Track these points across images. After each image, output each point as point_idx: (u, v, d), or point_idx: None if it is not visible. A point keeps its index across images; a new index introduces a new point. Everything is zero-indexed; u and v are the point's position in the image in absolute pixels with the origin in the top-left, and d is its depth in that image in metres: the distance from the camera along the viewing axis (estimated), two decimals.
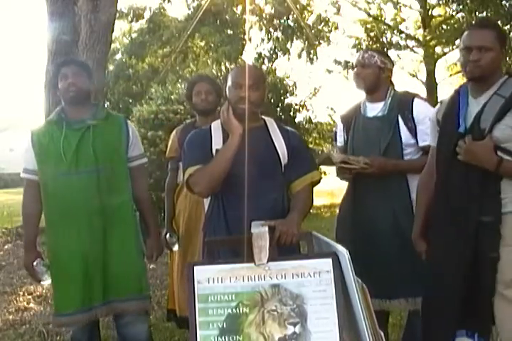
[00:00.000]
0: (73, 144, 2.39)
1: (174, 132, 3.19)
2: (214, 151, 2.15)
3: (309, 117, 10.99)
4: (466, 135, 1.96)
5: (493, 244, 1.92)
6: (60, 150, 2.38)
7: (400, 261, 2.41)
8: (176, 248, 3.00)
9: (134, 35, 15.52)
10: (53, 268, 2.45)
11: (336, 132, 2.81)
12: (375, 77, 2.54)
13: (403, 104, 2.49)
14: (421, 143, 2.45)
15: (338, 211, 2.78)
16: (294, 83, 10.89)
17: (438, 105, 2.21)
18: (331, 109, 11.58)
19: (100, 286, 2.40)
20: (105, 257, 2.40)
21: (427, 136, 2.34)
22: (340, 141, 2.72)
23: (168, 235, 3.02)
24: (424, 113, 2.43)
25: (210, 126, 2.25)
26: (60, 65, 2.54)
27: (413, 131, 2.46)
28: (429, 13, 16.75)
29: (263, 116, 2.28)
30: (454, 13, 15.21)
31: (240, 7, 13.57)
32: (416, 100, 2.50)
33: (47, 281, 2.52)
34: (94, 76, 2.66)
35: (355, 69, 2.61)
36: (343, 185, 2.75)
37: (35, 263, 2.48)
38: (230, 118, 2.10)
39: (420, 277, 2.28)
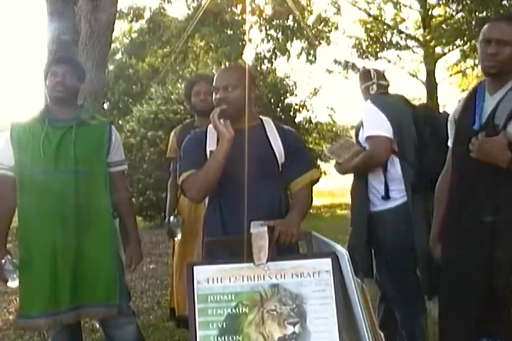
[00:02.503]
0: (53, 143, 2.34)
1: (173, 132, 3.19)
2: (208, 152, 2.15)
3: (309, 117, 11.00)
4: (480, 132, 1.89)
5: (509, 245, 1.83)
6: (39, 148, 2.33)
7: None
8: (179, 234, 2.89)
9: (134, 35, 15.51)
10: (22, 267, 2.38)
11: None
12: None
13: None
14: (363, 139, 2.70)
15: None
16: (294, 83, 10.92)
17: (456, 104, 2.13)
18: (331, 109, 11.60)
19: (68, 291, 2.30)
20: (76, 261, 2.33)
21: (364, 131, 2.65)
22: None
23: (171, 218, 2.92)
24: (364, 111, 2.72)
25: (207, 128, 2.25)
26: (52, 62, 2.51)
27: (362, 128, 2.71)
28: (429, 13, 16.72)
29: (261, 116, 2.28)
30: (454, 13, 15.20)
31: (239, 7, 13.57)
32: (366, 102, 2.76)
33: (14, 283, 2.39)
34: (85, 76, 2.60)
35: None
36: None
37: (3, 261, 2.38)
38: (217, 124, 2.09)
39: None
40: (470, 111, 1.98)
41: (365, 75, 2.90)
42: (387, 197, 2.59)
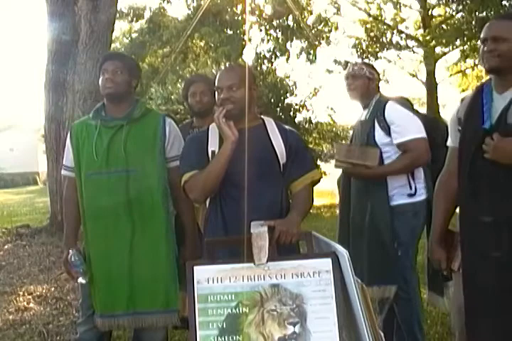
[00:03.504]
0: (105, 143, 2.32)
1: None
2: (210, 152, 2.16)
3: (309, 117, 10.99)
4: (491, 132, 1.84)
5: None
6: (92, 148, 2.32)
7: (373, 253, 2.65)
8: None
9: (134, 35, 15.51)
10: (87, 267, 2.36)
11: None
12: (365, 87, 2.86)
13: (378, 107, 2.75)
14: (394, 141, 2.67)
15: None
16: (294, 83, 10.91)
17: (458, 104, 2.10)
18: (331, 109, 11.56)
19: (124, 293, 2.29)
20: (131, 262, 2.29)
21: (398, 134, 2.64)
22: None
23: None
24: (393, 113, 2.70)
25: (208, 128, 2.25)
26: (103, 60, 2.47)
27: (387, 130, 2.68)
28: (429, 13, 16.75)
29: (262, 116, 2.28)
30: (454, 13, 15.21)
31: (239, 7, 13.57)
32: (389, 103, 2.74)
33: (83, 279, 2.37)
34: (138, 73, 2.55)
35: (347, 81, 2.93)
36: None
37: (69, 256, 2.35)
38: (221, 125, 2.09)
39: (391, 267, 2.61)
40: (477, 111, 1.94)
41: (372, 68, 2.97)
42: (414, 193, 2.67)
